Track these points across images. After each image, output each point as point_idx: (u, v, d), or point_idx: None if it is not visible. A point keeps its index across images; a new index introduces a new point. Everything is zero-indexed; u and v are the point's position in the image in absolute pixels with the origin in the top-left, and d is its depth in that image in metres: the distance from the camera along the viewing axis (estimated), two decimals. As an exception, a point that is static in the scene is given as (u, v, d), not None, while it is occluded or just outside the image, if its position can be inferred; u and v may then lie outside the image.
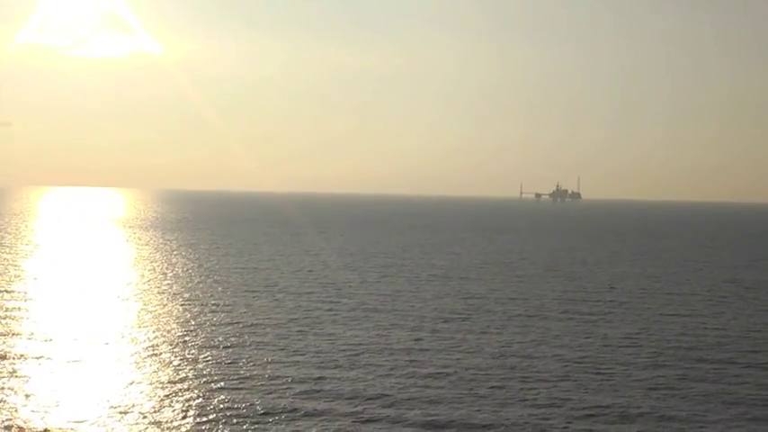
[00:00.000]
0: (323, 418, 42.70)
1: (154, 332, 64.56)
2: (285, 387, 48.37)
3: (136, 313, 73.43)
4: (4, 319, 68.89)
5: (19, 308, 74.72)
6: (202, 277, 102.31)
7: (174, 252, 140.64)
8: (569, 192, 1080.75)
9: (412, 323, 71.06)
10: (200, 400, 45.52)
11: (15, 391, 46.21)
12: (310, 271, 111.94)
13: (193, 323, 68.83)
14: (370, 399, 46.28)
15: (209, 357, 55.75)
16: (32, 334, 62.47)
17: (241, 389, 47.77)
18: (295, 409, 43.88)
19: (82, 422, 41.13)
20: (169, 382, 48.99)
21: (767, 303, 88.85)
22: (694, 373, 54.45)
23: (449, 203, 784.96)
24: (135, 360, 54.77)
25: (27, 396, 45.39)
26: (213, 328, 66.92)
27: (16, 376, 49.62)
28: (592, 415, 44.27)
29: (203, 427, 41.01)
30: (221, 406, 44.38)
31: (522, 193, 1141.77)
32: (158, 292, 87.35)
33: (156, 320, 69.92)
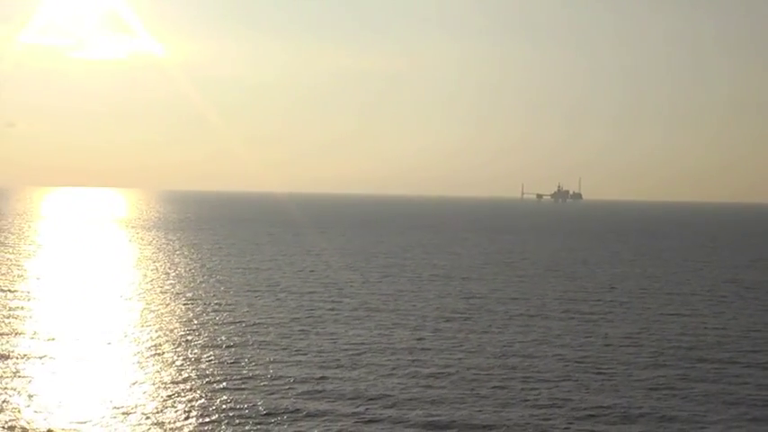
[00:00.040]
0: (325, 418, 42.87)
1: (156, 332, 64.74)
2: (287, 387, 48.54)
3: (138, 313, 73.61)
4: (8, 318, 69.06)
5: (22, 308, 74.91)
6: (205, 277, 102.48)
7: (177, 252, 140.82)
8: (570, 192, 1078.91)
9: (414, 323, 71.21)
10: (203, 400, 45.71)
11: (18, 391, 46.37)
12: (312, 271, 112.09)
13: (196, 323, 69.01)
14: (372, 399, 46.45)
15: (212, 357, 55.92)
16: (35, 334, 62.65)
17: (243, 389, 47.95)
18: (297, 410, 44.04)
19: (85, 422, 41.29)
20: (172, 382, 49.17)
21: (767, 303, 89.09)
22: (695, 373, 54.60)
23: (450, 204, 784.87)
24: (137, 360, 54.95)
25: (30, 396, 45.56)
26: (215, 327, 67.09)
27: (19, 376, 49.79)
28: (593, 415, 44.43)
29: (206, 428, 41.18)
30: (224, 406, 44.56)
31: (523, 193, 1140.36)
32: (161, 292, 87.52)
33: (158, 320, 70.10)
